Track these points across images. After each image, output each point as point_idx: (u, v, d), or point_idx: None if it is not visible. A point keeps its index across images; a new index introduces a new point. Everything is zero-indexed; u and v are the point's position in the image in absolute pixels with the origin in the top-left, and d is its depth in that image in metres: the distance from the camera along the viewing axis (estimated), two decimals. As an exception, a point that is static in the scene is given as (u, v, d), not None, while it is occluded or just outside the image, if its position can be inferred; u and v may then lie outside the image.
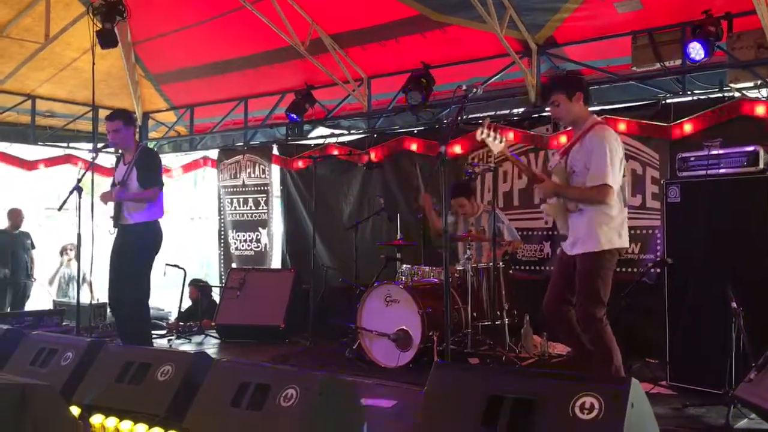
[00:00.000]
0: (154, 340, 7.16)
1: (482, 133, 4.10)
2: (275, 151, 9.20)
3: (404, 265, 6.28)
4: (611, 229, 4.13)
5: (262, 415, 3.09)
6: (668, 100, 6.34)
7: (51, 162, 9.85)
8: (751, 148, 4.58)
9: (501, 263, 6.00)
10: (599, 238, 4.09)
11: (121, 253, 5.74)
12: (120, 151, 5.94)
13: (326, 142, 8.76)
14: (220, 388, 3.30)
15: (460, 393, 2.76)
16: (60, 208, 5.62)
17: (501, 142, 4.21)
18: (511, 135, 6.90)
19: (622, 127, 6.42)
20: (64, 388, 3.82)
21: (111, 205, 5.75)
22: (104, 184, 8.51)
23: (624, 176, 4.20)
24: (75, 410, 3.52)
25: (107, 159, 10.21)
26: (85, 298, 9.04)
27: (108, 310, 8.01)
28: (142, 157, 5.76)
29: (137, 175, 5.66)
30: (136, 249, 5.71)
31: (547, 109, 4.44)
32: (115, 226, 5.74)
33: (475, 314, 5.76)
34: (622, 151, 4.16)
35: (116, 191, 5.64)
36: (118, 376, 3.69)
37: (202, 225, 11.34)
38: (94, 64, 7.04)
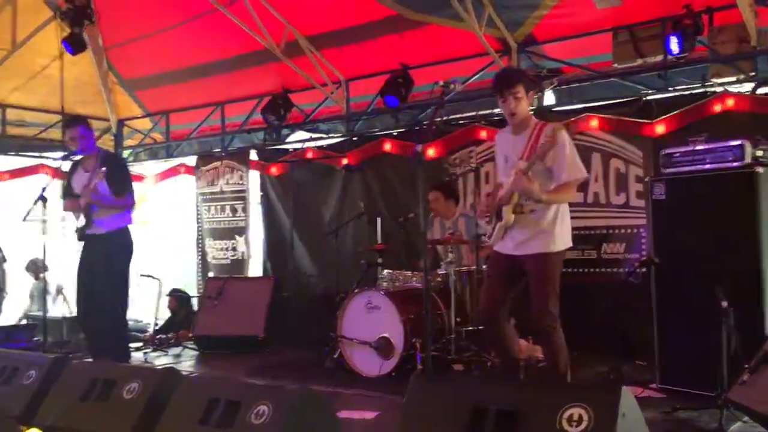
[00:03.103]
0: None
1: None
2: (253, 157, 9.01)
3: (385, 271, 6.13)
4: (566, 228, 4.12)
5: (232, 434, 2.92)
6: (650, 97, 6.24)
7: (23, 172, 9.59)
8: (736, 143, 4.47)
9: (484, 266, 5.85)
10: (557, 238, 4.05)
11: (93, 265, 5.52)
12: (78, 157, 5.69)
13: (305, 146, 8.58)
14: (188, 406, 3.13)
15: (441, 405, 2.61)
16: (24, 219, 5.41)
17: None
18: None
19: (603, 124, 6.32)
20: (26, 408, 3.64)
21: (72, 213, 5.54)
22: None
23: None
24: (35, 432, 3.34)
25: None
26: (61, 311, 8.84)
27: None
28: (109, 163, 5.53)
29: (108, 183, 5.44)
30: (109, 259, 5.50)
31: (499, 98, 4.07)
32: (81, 239, 5.50)
33: (458, 319, 5.61)
34: None
35: (91, 196, 5.37)
36: (83, 394, 3.50)
37: (181, 234, 11.10)
38: (62, 70, 6.88)
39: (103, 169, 5.35)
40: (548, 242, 4.06)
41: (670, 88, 6.20)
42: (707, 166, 4.58)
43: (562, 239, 4.11)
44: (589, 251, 6.39)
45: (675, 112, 5.96)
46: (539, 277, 4.05)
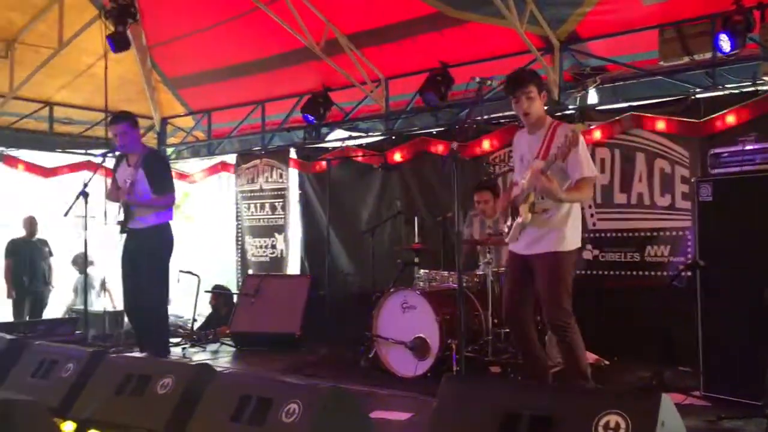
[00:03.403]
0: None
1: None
2: (293, 155, 9.05)
3: (422, 270, 6.06)
4: (576, 229, 4.11)
5: (263, 432, 2.90)
6: (698, 95, 6.05)
7: (70, 169, 9.78)
8: (788, 142, 4.30)
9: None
10: (567, 237, 4.05)
11: (134, 259, 5.62)
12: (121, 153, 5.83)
13: (344, 144, 8.58)
14: (221, 402, 3.13)
15: (473, 409, 2.54)
16: (66, 214, 5.51)
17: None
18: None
19: (649, 124, 6.16)
20: (64, 401, 3.69)
21: (116, 207, 5.68)
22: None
23: None
24: (71, 426, 3.37)
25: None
26: (103, 305, 8.99)
27: (125, 318, 7.96)
28: (151, 161, 5.62)
29: (149, 181, 5.53)
30: (150, 253, 5.58)
31: (512, 99, 4.13)
32: (122, 232, 5.61)
33: (495, 321, 5.52)
34: None
35: (133, 197, 5.49)
36: (118, 388, 3.53)
37: (222, 231, 11.25)
38: (106, 68, 6.98)
39: (141, 171, 5.47)
40: (558, 241, 4.05)
41: (719, 86, 6.01)
42: (757, 167, 4.42)
43: (572, 239, 4.10)
44: (632, 254, 6.23)
45: (724, 111, 5.78)
46: (550, 277, 4.04)
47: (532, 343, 4.26)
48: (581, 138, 3.97)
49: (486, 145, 7.12)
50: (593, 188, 4.10)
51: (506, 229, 4.30)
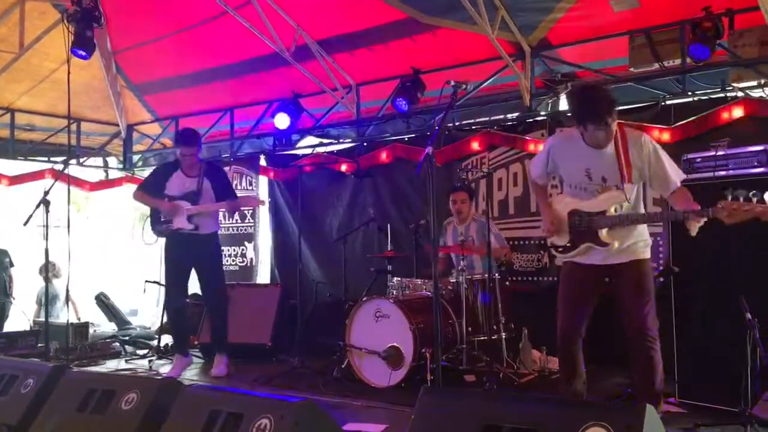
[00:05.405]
0: (134, 361, 6.91)
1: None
2: (263, 162, 8.91)
3: (395, 278, 5.98)
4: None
5: (233, 449, 2.78)
6: (668, 102, 6.09)
7: (33, 177, 9.51)
8: (760, 148, 4.30)
9: (497, 274, 5.71)
10: (649, 243, 4.06)
11: (198, 263, 6.03)
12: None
13: (315, 151, 8.48)
14: (189, 418, 2.99)
15: (452, 422, 2.45)
16: (26, 223, 5.33)
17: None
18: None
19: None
20: (23, 418, 3.52)
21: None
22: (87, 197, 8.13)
23: None
24: (30, 444, 3.21)
25: (80, 171, 9.97)
26: (66, 317, 8.73)
27: (90, 329, 7.74)
28: (215, 172, 6.09)
29: (215, 190, 5.94)
30: (213, 256, 6.19)
31: (600, 125, 3.71)
32: (163, 235, 5.99)
33: (470, 329, 5.46)
34: None
35: (200, 205, 5.87)
36: (80, 405, 3.37)
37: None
38: (69, 73, 6.74)
39: (205, 180, 5.96)
40: (644, 248, 4.09)
41: (689, 93, 6.04)
42: (731, 172, 4.41)
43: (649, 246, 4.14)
44: (604, 259, 6.21)
45: (694, 117, 5.81)
46: (640, 287, 4.02)
47: (578, 362, 4.09)
48: (654, 142, 3.93)
49: (458, 151, 7.10)
50: None
51: (559, 246, 4.13)
